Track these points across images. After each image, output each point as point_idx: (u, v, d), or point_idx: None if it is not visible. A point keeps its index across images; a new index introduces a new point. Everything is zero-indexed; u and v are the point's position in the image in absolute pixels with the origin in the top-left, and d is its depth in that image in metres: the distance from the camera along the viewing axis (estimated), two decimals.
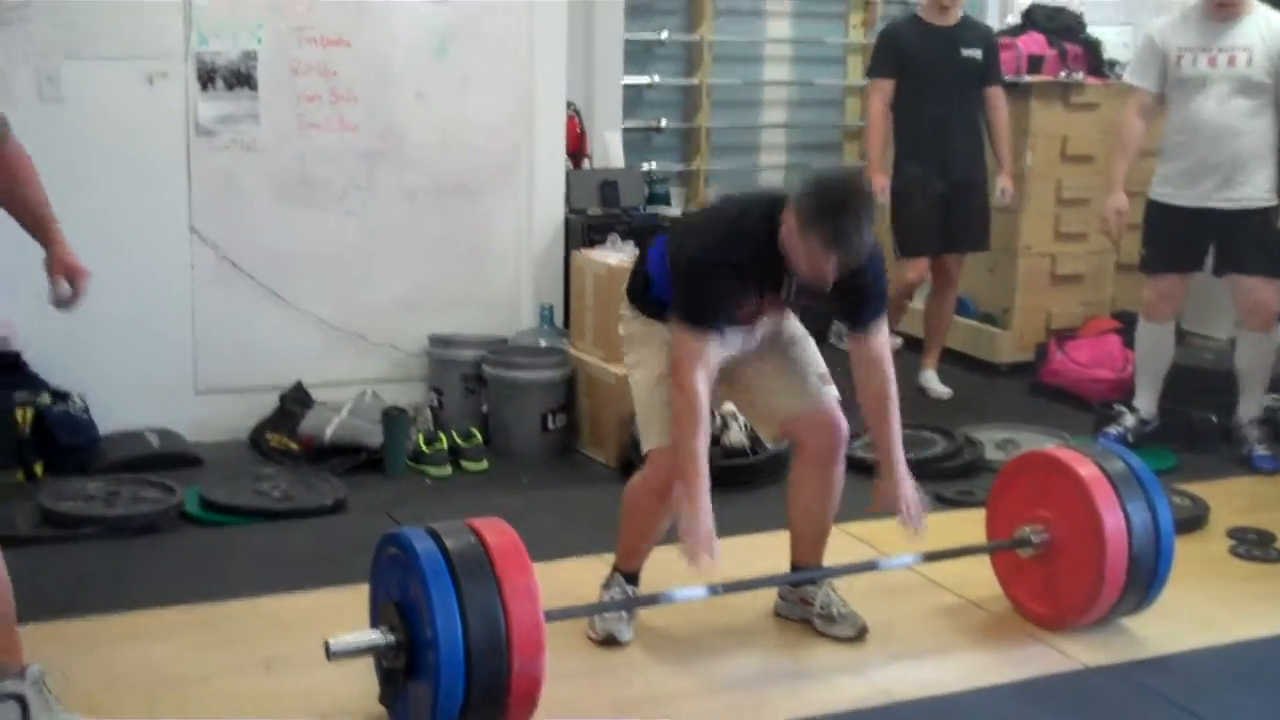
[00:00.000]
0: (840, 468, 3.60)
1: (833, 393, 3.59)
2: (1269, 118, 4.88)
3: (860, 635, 3.64)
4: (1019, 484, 3.81)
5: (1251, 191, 4.90)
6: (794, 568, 3.73)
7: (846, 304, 3.47)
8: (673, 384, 3.33)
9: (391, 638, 2.99)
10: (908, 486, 3.55)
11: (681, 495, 3.31)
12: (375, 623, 3.11)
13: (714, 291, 3.29)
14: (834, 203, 3.18)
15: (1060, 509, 3.65)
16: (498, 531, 3.03)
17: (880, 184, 5.65)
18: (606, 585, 3.67)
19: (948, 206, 5.82)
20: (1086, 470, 3.62)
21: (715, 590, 3.36)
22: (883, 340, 3.53)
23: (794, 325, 3.64)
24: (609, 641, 3.54)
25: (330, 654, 2.97)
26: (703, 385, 3.28)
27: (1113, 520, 3.53)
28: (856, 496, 3.77)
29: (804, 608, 3.71)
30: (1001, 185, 5.93)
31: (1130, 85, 5.19)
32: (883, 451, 3.56)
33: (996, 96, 5.90)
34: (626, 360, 3.62)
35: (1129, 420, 5.35)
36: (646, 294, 3.50)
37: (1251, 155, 4.88)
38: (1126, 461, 3.70)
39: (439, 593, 2.86)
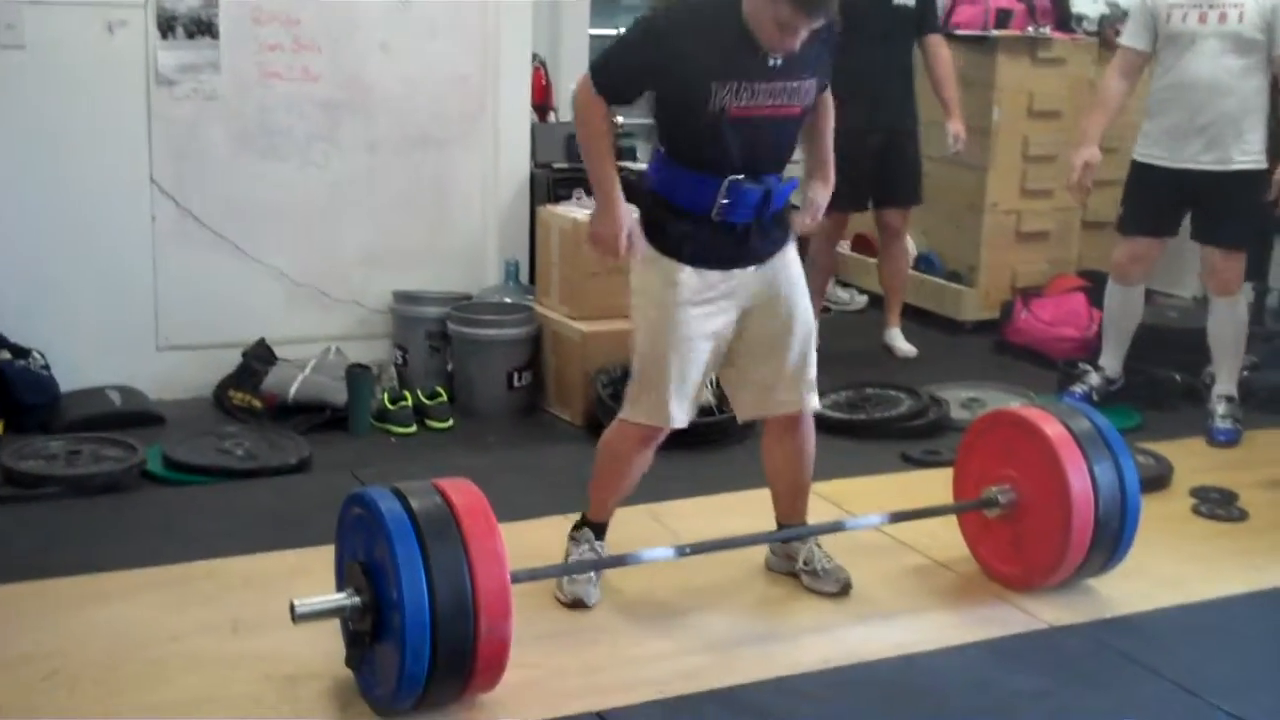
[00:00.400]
0: (807, 430, 3.62)
1: (813, 402, 3.60)
2: (1260, 78, 4.83)
3: (844, 590, 3.65)
4: (985, 443, 3.81)
5: (1240, 153, 4.85)
6: (779, 525, 3.74)
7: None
8: (576, 99, 3.39)
9: (357, 599, 2.97)
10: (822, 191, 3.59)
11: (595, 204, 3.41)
12: (341, 584, 3.09)
13: (644, 48, 3.29)
14: None
15: (1027, 468, 3.65)
16: (464, 492, 3.00)
17: None
18: (575, 538, 3.66)
19: (879, 159, 5.75)
20: (1053, 429, 3.62)
21: (683, 551, 3.36)
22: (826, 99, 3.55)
23: (805, 311, 3.57)
24: (576, 605, 3.52)
25: (295, 616, 2.95)
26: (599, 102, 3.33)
27: (1079, 480, 3.54)
28: (824, 455, 3.79)
29: (790, 563, 3.74)
30: (953, 131, 5.84)
31: (1120, 44, 5.14)
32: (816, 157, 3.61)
33: (935, 43, 5.84)
34: (632, 313, 3.52)
35: (1094, 379, 5.36)
36: (654, 211, 3.44)
37: (1241, 115, 4.82)
38: (1093, 420, 3.70)
39: (405, 554, 2.83)
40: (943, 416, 5.16)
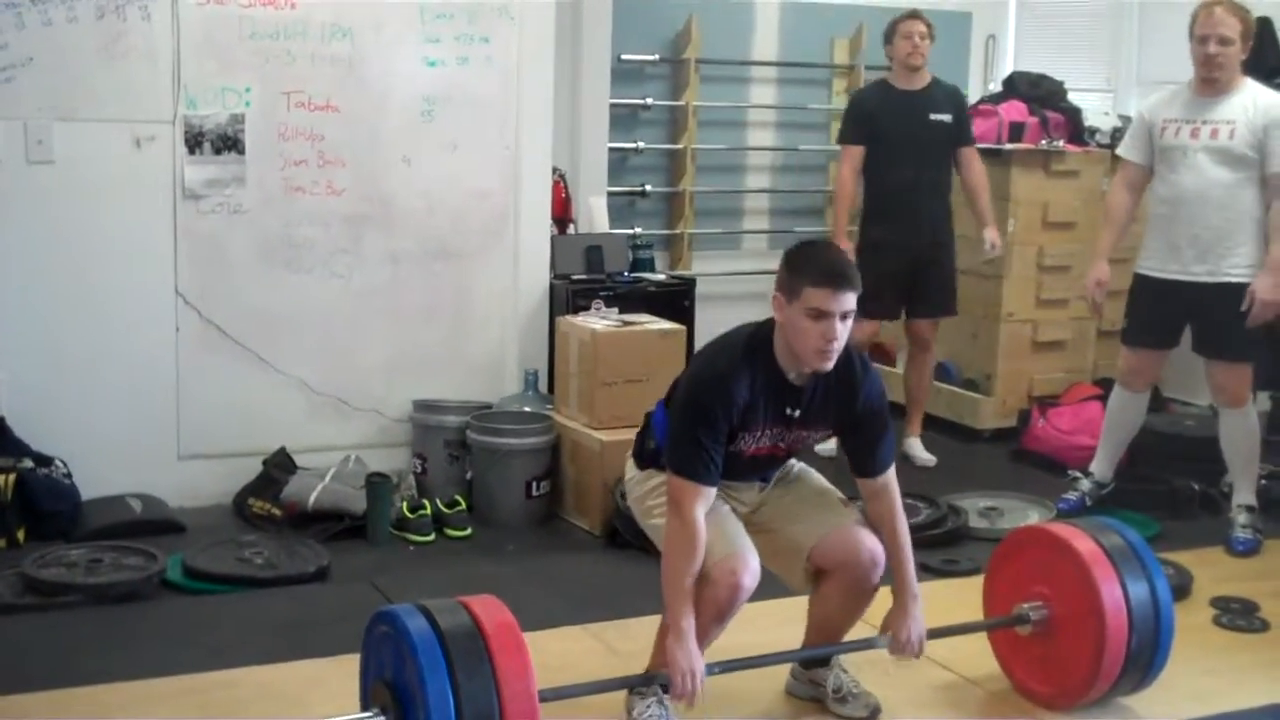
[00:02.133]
0: (874, 591, 3.52)
1: (856, 515, 3.53)
2: (1252, 191, 4.87)
3: (873, 715, 3.60)
4: (1016, 559, 3.79)
5: (1231, 265, 4.88)
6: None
7: (854, 441, 3.46)
8: (669, 513, 3.30)
9: (383, 719, 2.95)
10: (917, 621, 3.50)
11: (669, 629, 3.27)
12: (366, 703, 3.07)
13: (709, 424, 3.25)
14: (807, 246, 3.35)
15: (1059, 586, 3.62)
16: (493, 613, 2.99)
17: (844, 248, 5.67)
18: (640, 693, 3.50)
19: (914, 271, 5.84)
20: (1085, 546, 3.59)
21: (712, 670, 3.32)
22: (893, 480, 3.50)
23: (799, 462, 3.63)
24: None
25: None
26: (702, 516, 3.25)
27: (1112, 599, 3.50)
28: None
29: (815, 689, 3.68)
30: (990, 239, 5.93)
31: (1121, 158, 5.22)
32: (897, 582, 3.51)
33: (969, 156, 5.94)
34: (652, 515, 3.50)
35: (1085, 485, 5.38)
36: (656, 458, 3.46)
37: (1232, 228, 4.87)
38: (1124, 536, 3.67)
39: (433, 678, 2.81)
40: (961, 525, 5.16)
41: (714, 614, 3.32)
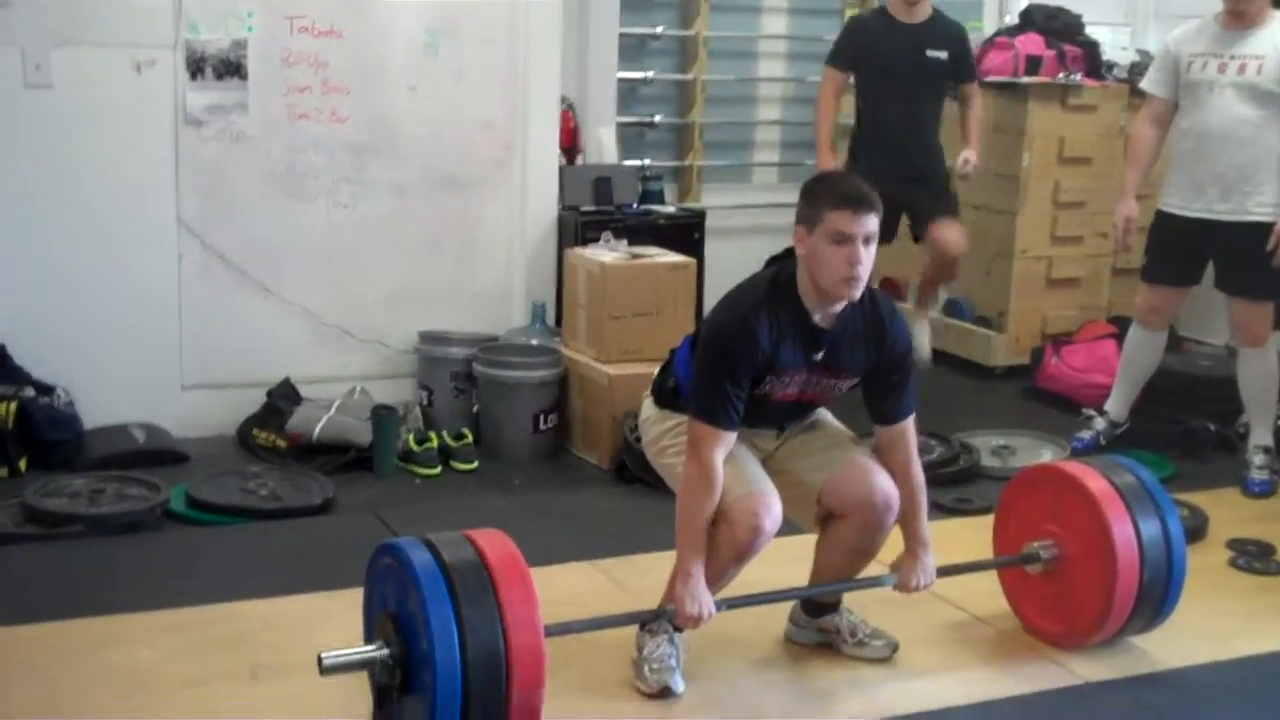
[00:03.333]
0: (885, 535, 3.45)
1: (868, 454, 3.45)
2: (1278, 129, 4.80)
3: (894, 652, 3.56)
4: (1027, 497, 3.75)
5: (1255, 204, 4.81)
6: (808, 601, 3.62)
7: (876, 386, 3.38)
8: (687, 457, 3.24)
9: (386, 652, 2.91)
10: (927, 569, 3.47)
11: (677, 571, 3.23)
12: (369, 635, 3.04)
13: (731, 369, 3.18)
14: (823, 175, 3.35)
15: (1070, 524, 3.58)
16: (498, 545, 2.95)
17: (829, 165, 5.58)
18: (651, 630, 3.42)
19: (902, 192, 5.39)
20: (1097, 484, 3.55)
21: (719, 607, 3.27)
22: (910, 428, 3.43)
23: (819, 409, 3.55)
24: (663, 694, 3.34)
25: (323, 669, 2.89)
26: (720, 461, 3.20)
27: (1124, 537, 3.47)
28: None
29: (824, 634, 3.62)
30: (964, 155, 5.69)
31: (1145, 93, 5.12)
32: (908, 530, 3.46)
33: (969, 93, 5.77)
34: (665, 455, 3.43)
35: (1100, 424, 5.33)
36: (675, 398, 3.39)
37: (1256, 166, 4.79)
38: (1137, 475, 3.63)
39: (436, 608, 2.78)
40: (974, 464, 5.12)
41: (732, 555, 3.26)
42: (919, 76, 5.61)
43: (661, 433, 3.45)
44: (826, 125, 5.75)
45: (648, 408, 3.53)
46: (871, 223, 3.16)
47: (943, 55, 5.63)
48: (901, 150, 5.60)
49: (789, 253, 3.32)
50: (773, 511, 3.25)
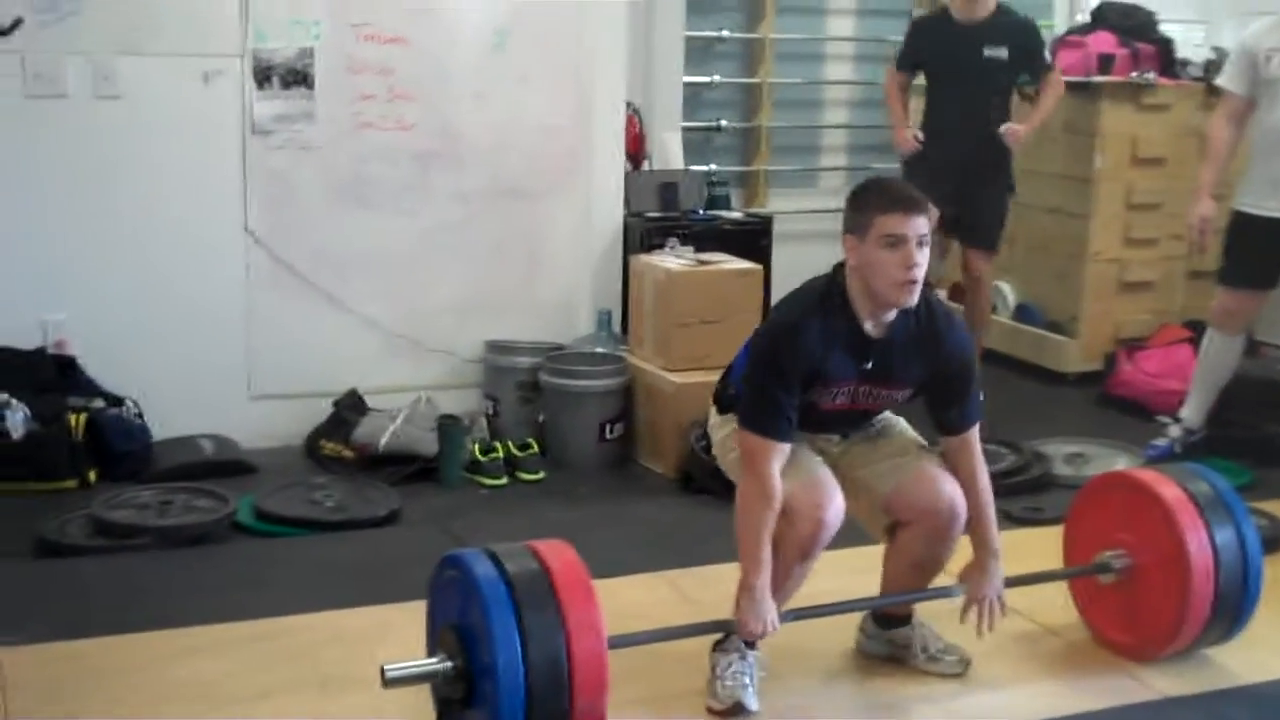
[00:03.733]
0: (954, 544, 3.39)
1: (936, 461, 3.38)
2: None
3: (966, 668, 3.49)
4: (1098, 506, 3.68)
5: None
6: (880, 613, 3.56)
7: (937, 395, 3.32)
8: (742, 470, 3.20)
9: (449, 665, 2.90)
10: (996, 578, 3.41)
11: (741, 586, 3.18)
12: (433, 648, 3.02)
13: (780, 378, 3.14)
14: (869, 182, 3.26)
15: (1142, 533, 3.52)
16: (561, 556, 2.94)
17: (907, 138, 5.57)
18: (723, 648, 3.36)
19: (958, 197, 5.40)
20: (1170, 492, 3.48)
21: (785, 618, 3.23)
22: (975, 437, 3.37)
23: (885, 414, 3.49)
24: (735, 711, 3.28)
25: (386, 681, 2.88)
26: (777, 472, 3.15)
27: (1198, 547, 3.39)
28: None
29: (895, 648, 3.55)
30: (1009, 125, 5.56)
31: (1222, 89, 5.03)
32: (976, 540, 3.41)
33: (1046, 83, 5.65)
34: (731, 456, 3.37)
35: (1175, 431, 5.22)
36: (735, 404, 3.34)
37: None
38: (1212, 483, 3.55)
39: (500, 621, 2.77)
40: (1045, 473, 5.04)
41: (797, 553, 3.21)
42: (977, 76, 5.53)
43: (725, 436, 3.42)
44: (898, 107, 5.74)
45: (713, 415, 3.50)
46: (922, 224, 3.11)
47: (1002, 53, 5.52)
48: (956, 153, 5.50)
49: None
50: (835, 502, 3.20)
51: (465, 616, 2.89)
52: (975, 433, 3.37)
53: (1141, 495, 3.55)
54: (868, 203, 3.14)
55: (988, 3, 5.55)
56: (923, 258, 3.10)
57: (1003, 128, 5.53)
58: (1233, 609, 3.47)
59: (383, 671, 2.88)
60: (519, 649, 2.75)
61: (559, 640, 2.78)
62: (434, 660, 2.94)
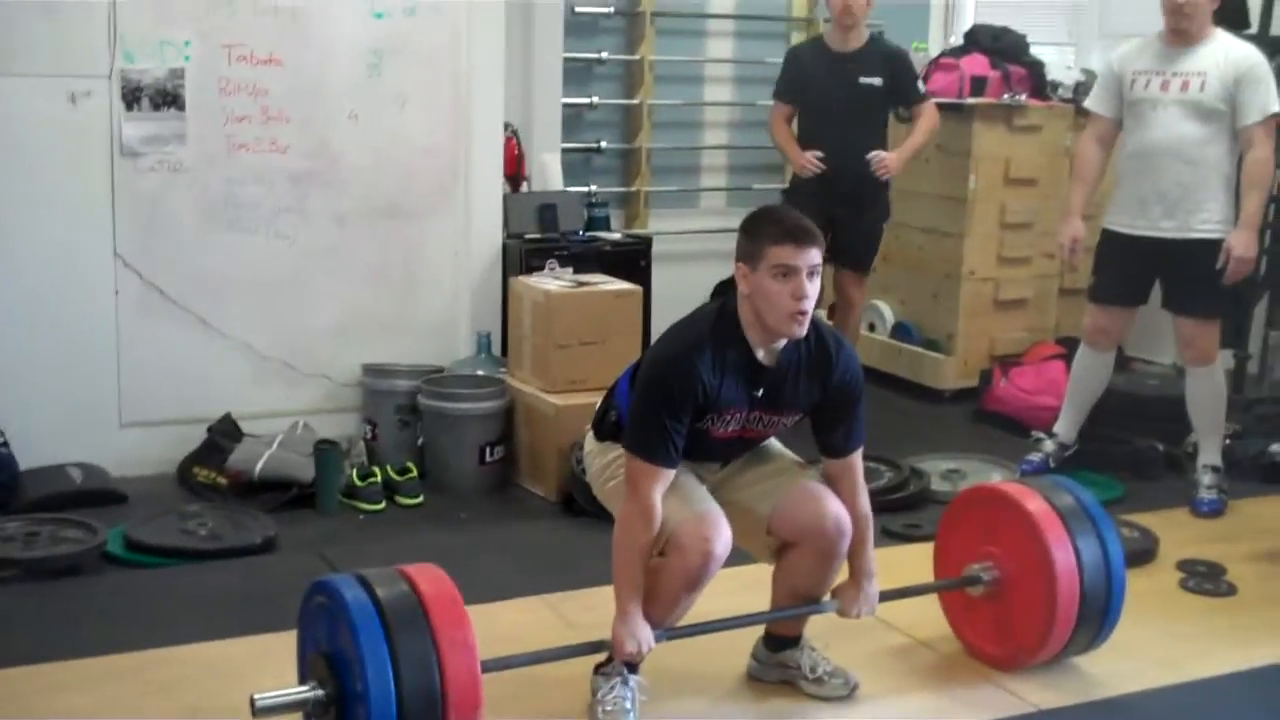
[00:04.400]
0: (839, 562, 3.40)
1: (815, 479, 3.41)
2: (1222, 146, 4.79)
3: (852, 692, 3.49)
4: (967, 520, 3.74)
5: (1200, 221, 4.81)
6: (770, 636, 3.57)
7: (825, 418, 3.34)
8: (627, 493, 3.19)
9: (320, 692, 2.87)
10: (870, 598, 3.45)
11: (616, 609, 3.18)
12: (304, 676, 2.98)
13: (671, 405, 3.13)
14: (762, 210, 3.28)
15: (1009, 545, 3.58)
16: (432, 579, 2.91)
17: (801, 159, 5.60)
18: (604, 672, 3.36)
19: (831, 223, 5.35)
20: (1035, 505, 3.55)
21: (660, 636, 3.23)
22: (858, 461, 3.40)
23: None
24: None
25: (255, 710, 2.84)
26: (659, 499, 3.15)
27: (1063, 556, 3.46)
28: None
29: (786, 670, 3.55)
30: (878, 153, 5.62)
31: (1090, 112, 5.13)
32: (853, 561, 3.42)
33: (918, 112, 5.76)
34: (610, 485, 3.38)
35: (1049, 446, 5.31)
36: (617, 431, 3.33)
37: (1200, 183, 4.79)
38: (1075, 495, 3.62)
39: (370, 646, 2.74)
40: (924, 489, 5.09)
41: (684, 583, 3.21)
42: (851, 105, 5.60)
43: (604, 465, 3.41)
44: (787, 137, 5.78)
45: (589, 441, 3.48)
46: (814, 255, 3.13)
47: (876, 82, 5.61)
48: (833, 178, 5.56)
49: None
50: (723, 535, 3.20)
51: (335, 642, 2.86)
52: (859, 456, 3.40)
53: (1007, 508, 3.61)
54: (761, 232, 3.15)
55: (861, 33, 5.64)
56: (813, 289, 3.13)
57: (871, 155, 5.60)
58: (1098, 618, 3.54)
59: (252, 701, 2.83)
60: (390, 672, 2.73)
61: (431, 661, 2.76)
62: (305, 688, 2.90)
